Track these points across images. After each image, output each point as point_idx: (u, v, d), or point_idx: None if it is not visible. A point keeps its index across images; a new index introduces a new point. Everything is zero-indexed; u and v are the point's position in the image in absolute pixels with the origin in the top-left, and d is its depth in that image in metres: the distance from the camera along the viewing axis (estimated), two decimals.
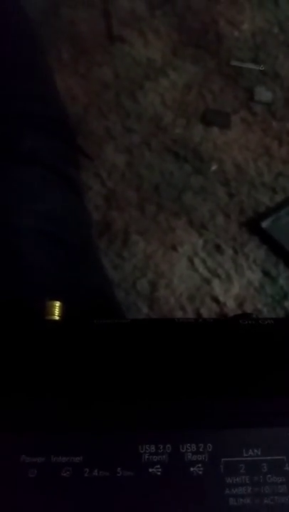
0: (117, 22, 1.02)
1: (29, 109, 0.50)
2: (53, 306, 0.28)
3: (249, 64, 1.00)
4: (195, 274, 0.77)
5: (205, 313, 0.73)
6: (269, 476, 0.20)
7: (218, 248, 0.79)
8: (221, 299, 0.75)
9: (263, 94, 0.96)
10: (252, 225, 0.82)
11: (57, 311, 0.27)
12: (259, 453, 0.20)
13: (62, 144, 0.53)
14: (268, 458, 0.20)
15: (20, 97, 0.51)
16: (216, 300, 0.75)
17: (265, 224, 0.81)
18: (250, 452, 0.20)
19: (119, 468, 0.20)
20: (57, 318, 0.27)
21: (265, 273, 0.78)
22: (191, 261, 0.78)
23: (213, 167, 0.88)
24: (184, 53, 1.00)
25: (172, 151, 0.88)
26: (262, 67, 0.99)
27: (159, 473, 0.20)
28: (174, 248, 0.79)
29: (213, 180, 0.86)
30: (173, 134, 0.90)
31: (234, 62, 1.00)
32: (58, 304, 0.28)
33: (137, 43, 1.00)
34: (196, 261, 0.78)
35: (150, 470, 0.20)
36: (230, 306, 0.74)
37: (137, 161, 0.87)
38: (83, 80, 0.95)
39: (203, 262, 0.78)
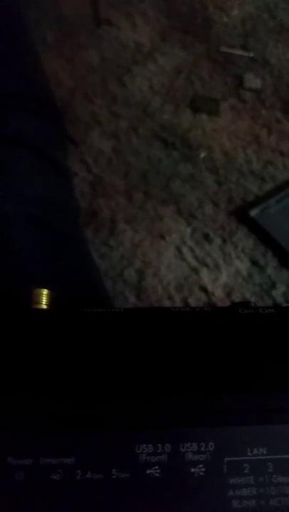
0: (104, 4, 0.99)
1: (15, 89, 0.48)
2: (40, 294, 0.26)
3: (238, 50, 0.98)
4: (183, 263, 0.76)
5: (193, 302, 0.72)
6: (275, 476, 0.19)
7: (206, 237, 0.78)
8: (209, 288, 0.74)
9: (253, 81, 0.95)
10: (240, 214, 0.81)
11: (44, 300, 0.26)
12: (264, 452, 0.19)
13: (49, 125, 0.51)
14: (274, 457, 0.19)
15: (5, 77, 0.48)
16: (204, 289, 0.74)
17: (253, 213, 0.80)
18: (255, 451, 0.19)
19: (114, 470, 0.18)
20: (44, 306, 0.26)
21: (254, 262, 0.77)
22: (179, 250, 0.77)
23: (202, 154, 0.86)
24: (173, 38, 0.98)
25: (160, 138, 0.86)
26: (251, 54, 0.98)
27: (157, 475, 0.18)
28: (161, 237, 0.77)
29: (201, 168, 0.85)
30: (161, 120, 0.88)
31: (223, 49, 0.98)
32: (45, 291, 0.26)
33: (125, 27, 0.97)
34: (184, 250, 0.77)
35: (148, 471, 0.18)
36: (219, 296, 0.73)
37: (124, 147, 0.85)
38: (69, 64, 0.92)
39: (192, 250, 0.77)
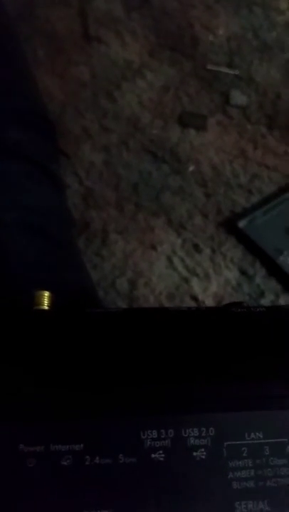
0: (93, 22, 1.01)
1: (12, 104, 0.50)
2: (42, 296, 0.27)
3: (224, 68, 1.02)
4: (174, 272, 0.77)
5: None
6: (271, 458, 0.20)
7: (196, 247, 0.80)
8: (200, 297, 0.75)
9: (238, 97, 0.98)
10: (229, 225, 0.83)
11: (46, 301, 0.27)
12: (261, 436, 0.20)
13: (43, 138, 0.52)
14: (270, 441, 0.20)
15: (1, 91, 0.50)
16: (194, 298, 0.75)
17: (241, 224, 0.82)
18: (253, 435, 0.20)
19: (121, 455, 0.19)
20: (46, 308, 0.27)
21: (242, 272, 0.79)
22: (170, 260, 0.78)
23: (191, 168, 0.88)
24: (161, 55, 1.00)
25: (150, 152, 0.89)
26: (237, 72, 1.01)
27: (162, 459, 0.19)
28: (153, 247, 0.79)
29: (190, 181, 0.87)
30: (150, 134, 0.90)
31: (210, 66, 1.01)
32: (46, 293, 0.27)
33: (114, 44, 1.00)
34: (175, 260, 0.78)
35: (153, 456, 0.19)
36: (209, 305, 0.74)
37: (115, 160, 0.86)
38: (60, 79, 0.94)
39: (182, 260, 0.78)
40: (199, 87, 0.98)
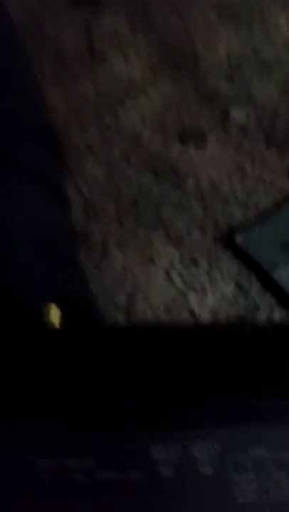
0: (98, 40, 1.04)
1: (19, 120, 0.51)
2: (52, 309, 0.28)
3: (224, 86, 1.04)
4: (171, 286, 0.79)
5: None
6: (274, 472, 0.21)
7: (194, 261, 0.82)
8: (197, 311, 0.77)
9: (237, 114, 1.00)
10: (226, 240, 0.85)
11: (55, 314, 0.28)
12: (264, 451, 0.21)
13: (50, 155, 0.54)
14: (273, 455, 0.21)
15: (11, 110, 0.52)
16: (192, 312, 0.77)
17: (238, 239, 0.84)
18: (257, 450, 0.21)
19: (130, 469, 0.20)
20: (56, 320, 0.28)
21: (239, 286, 0.81)
22: (167, 274, 0.80)
23: (190, 183, 0.90)
24: (163, 73, 1.03)
25: (151, 167, 0.91)
26: (236, 89, 1.04)
27: (169, 473, 0.20)
28: (151, 260, 0.80)
29: (189, 196, 0.89)
30: (151, 150, 0.93)
31: (210, 83, 1.04)
32: (54, 306, 0.28)
33: (118, 62, 1.02)
34: (173, 274, 0.80)
35: (160, 470, 0.20)
36: (206, 318, 0.76)
37: (116, 174, 0.88)
38: (64, 95, 0.96)
39: (180, 274, 0.80)
40: (199, 104, 1.00)
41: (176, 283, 0.79)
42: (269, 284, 0.81)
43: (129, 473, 0.20)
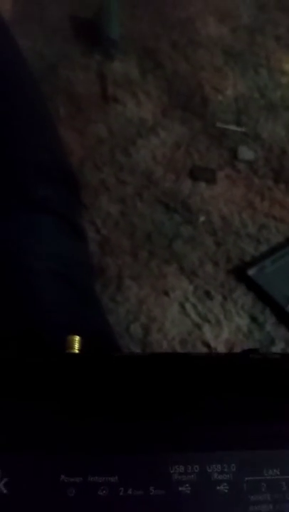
0: (111, 84, 1.10)
1: (40, 160, 0.54)
2: (73, 341, 0.30)
3: (232, 126, 1.08)
4: (186, 318, 0.80)
5: None
6: (288, 493, 0.22)
7: (207, 294, 0.83)
8: (212, 343, 0.77)
9: (246, 153, 1.04)
10: (239, 273, 0.86)
11: (76, 345, 0.29)
12: (278, 472, 0.22)
13: (68, 192, 0.57)
14: (287, 477, 0.22)
15: (32, 149, 0.55)
16: (206, 344, 0.77)
17: (251, 272, 0.85)
18: (271, 472, 0.22)
19: (151, 487, 0.21)
20: (76, 351, 0.29)
21: (253, 319, 0.81)
22: (182, 306, 0.81)
23: (201, 218, 0.93)
24: (173, 114, 1.08)
25: (163, 203, 0.93)
26: (244, 129, 1.08)
27: (188, 492, 0.21)
28: (165, 293, 0.82)
29: (201, 230, 0.91)
30: (163, 187, 0.96)
31: (219, 124, 1.08)
32: (77, 338, 0.30)
33: (130, 104, 1.08)
34: (187, 306, 0.81)
35: (180, 488, 0.21)
36: (221, 351, 0.76)
37: (130, 210, 0.91)
38: (80, 136, 1.00)
39: (194, 307, 0.81)
40: (209, 144, 1.04)
41: (191, 315, 0.80)
42: (283, 317, 0.81)
43: (150, 491, 0.21)
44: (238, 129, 1.07)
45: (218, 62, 1.20)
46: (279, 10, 1.34)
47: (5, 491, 0.21)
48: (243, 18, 1.32)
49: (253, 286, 0.84)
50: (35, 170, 0.54)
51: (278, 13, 1.33)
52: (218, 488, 0.21)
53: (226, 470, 0.22)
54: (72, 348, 0.30)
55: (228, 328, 0.79)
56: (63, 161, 0.63)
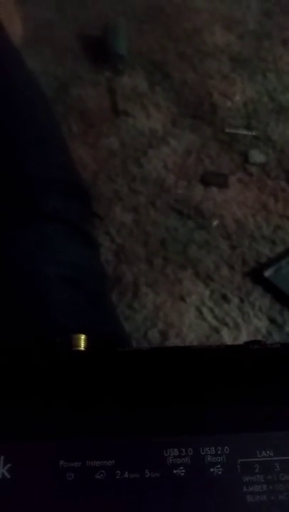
0: (121, 98, 1.12)
1: (52, 174, 0.57)
2: (79, 339, 0.31)
3: (242, 130, 1.09)
4: (204, 323, 0.80)
5: None
6: (282, 474, 0.22)
7: (224, 297, 0.83)
8: None
9: (257, 156, 1.04)
10: (255, 275, 0.86)
11: (82, 343, 0.31)
12: (272, 454, 0.22)
13: (79, 204, 0.59)
14: (280, 458, 0.22)
15: (44, 164, 0.57)
16: None
17: (267, 273, 0.85)
18: (264, 453, 0.22)
19: (147, 471, 0.22)
20: (83, 349, 0.31)
21: (272, 320, 0.81)
22: (199, 310, 0.81)
23: (215, 222, 0.93)
24: (183, 123, 1.09)
25: (176, 209, 0.95)
26: (254, 133, 1.08)
27: (182, 474, 0.22)
28: (182, 299, 0.82)
29: (215, 235, 0.91)
30: (176, 194, 0.97)
31: (229, 130, 1.09)
32: (83, 336, 0.31)
33: (140, 116, 1.10)
34: (204, 310, 0.81)
35: (175, 471, 0.22)
36: None
37: (144, 219, 0.93)
38: (92, 150, 1.03)
39: (211, 311, 0.81)
40: (219, 149, 1.05)
41: (208, 319, 0.80)
42: None
43: (146, 474, 0.22)
44: (249, 133, 1.08)
45: (225, 69, 1.22)
46: (285, 14, 1.35)
47: (8, 476, 0.22)
48: (249, 24, 1.33)
49: (270, 288, 0.84)
50: (46, 184, 0.56)
51: (284, 18, 1.34)
52: (211, 470, 0.22)
53: (219, 452, 0.22)
54: (78, 346, 0.31)
55: (246, 330, 0.79)
56: (74, 175, 0.65)
